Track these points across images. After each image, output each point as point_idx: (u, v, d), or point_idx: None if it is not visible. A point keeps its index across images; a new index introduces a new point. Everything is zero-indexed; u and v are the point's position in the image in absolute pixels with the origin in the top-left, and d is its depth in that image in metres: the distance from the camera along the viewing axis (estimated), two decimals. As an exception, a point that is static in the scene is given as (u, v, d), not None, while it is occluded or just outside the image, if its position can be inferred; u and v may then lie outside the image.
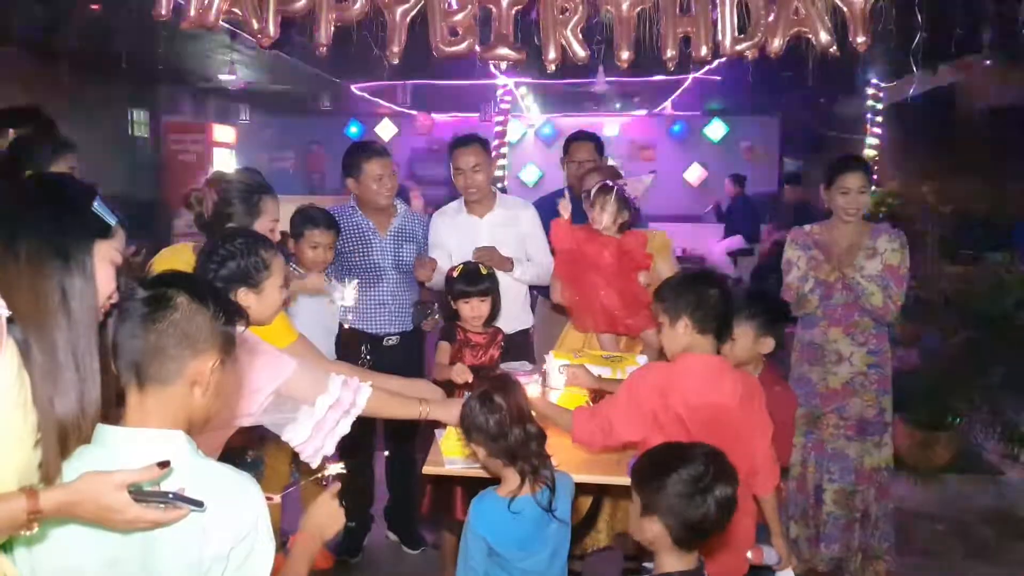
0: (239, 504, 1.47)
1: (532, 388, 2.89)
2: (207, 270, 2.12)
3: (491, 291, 3.16)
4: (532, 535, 2.17)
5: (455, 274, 3.17)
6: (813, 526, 3.50)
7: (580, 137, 4.16)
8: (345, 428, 2.17)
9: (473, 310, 3.14)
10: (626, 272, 3.24)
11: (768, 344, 2.85)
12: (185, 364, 1.44)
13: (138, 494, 1.32)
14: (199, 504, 1.36)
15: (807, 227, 3.54)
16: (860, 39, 3.34)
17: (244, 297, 2.11)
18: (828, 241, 3.39)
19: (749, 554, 2.39)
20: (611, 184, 3.27)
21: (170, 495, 1.35)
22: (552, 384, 2.99)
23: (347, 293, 3.11)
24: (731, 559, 2.37)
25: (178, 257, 2.63)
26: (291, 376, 2.09)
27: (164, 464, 1.34)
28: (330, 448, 2.16)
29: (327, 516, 1.84)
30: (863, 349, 3.38)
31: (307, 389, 2.13)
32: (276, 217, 2.75)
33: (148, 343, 1.42)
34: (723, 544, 2.30)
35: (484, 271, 3.18)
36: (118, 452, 1.40)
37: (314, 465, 2.10)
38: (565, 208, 3.34)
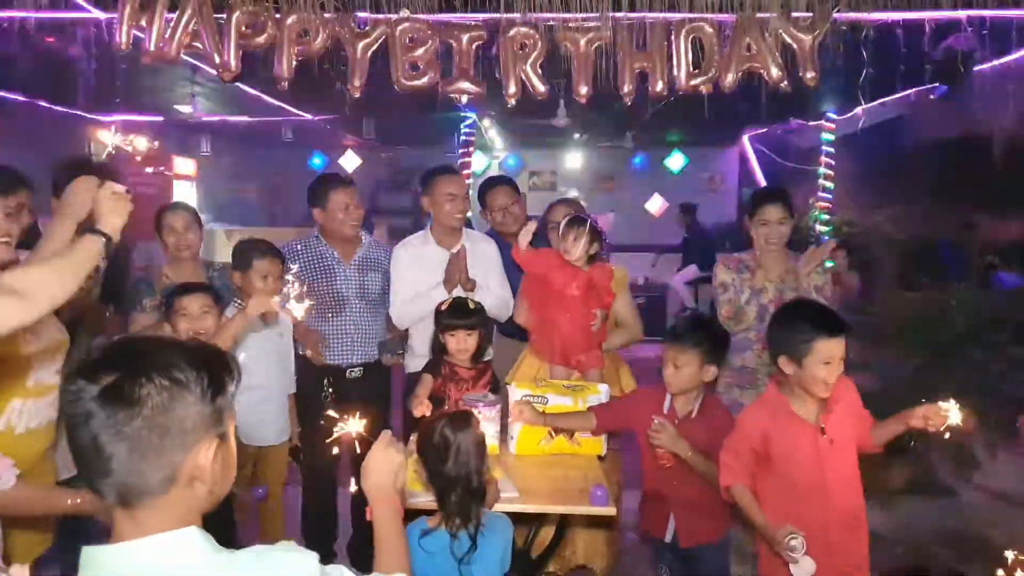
0: None
1: (491, 424, 2.87)
2: None
3: (478, 325, 3.14)
4: None
5: (444, 307, 3.17)
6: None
7: (495, 183, 4.03)
8: None
9: (459, 343, 3.12)
10: (589, 306, 3.25)
11: (711, 372, 2.82)
12: (178, 467, 1.13)
13: None
14: None
15: (735, 254, 3.64)
16: (809, 74, 3.46)
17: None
18: (756, 267, 3.49)
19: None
20: (584, 216, 3.30)
21: None
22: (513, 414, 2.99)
23: (294, 306, 2.73)
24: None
25: None
26: None
27: None
28: None
29: (386, 463, 1.56)
30: None
31: None
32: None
33: (118, 458, 1.10)
34: None
35: (472, 305, 3.17)
36: (119, 574, 1.11)
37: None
38: (527, 233, 3.29)
